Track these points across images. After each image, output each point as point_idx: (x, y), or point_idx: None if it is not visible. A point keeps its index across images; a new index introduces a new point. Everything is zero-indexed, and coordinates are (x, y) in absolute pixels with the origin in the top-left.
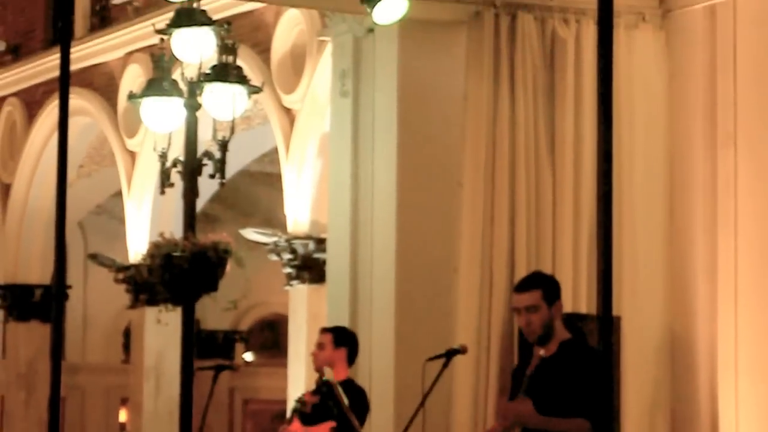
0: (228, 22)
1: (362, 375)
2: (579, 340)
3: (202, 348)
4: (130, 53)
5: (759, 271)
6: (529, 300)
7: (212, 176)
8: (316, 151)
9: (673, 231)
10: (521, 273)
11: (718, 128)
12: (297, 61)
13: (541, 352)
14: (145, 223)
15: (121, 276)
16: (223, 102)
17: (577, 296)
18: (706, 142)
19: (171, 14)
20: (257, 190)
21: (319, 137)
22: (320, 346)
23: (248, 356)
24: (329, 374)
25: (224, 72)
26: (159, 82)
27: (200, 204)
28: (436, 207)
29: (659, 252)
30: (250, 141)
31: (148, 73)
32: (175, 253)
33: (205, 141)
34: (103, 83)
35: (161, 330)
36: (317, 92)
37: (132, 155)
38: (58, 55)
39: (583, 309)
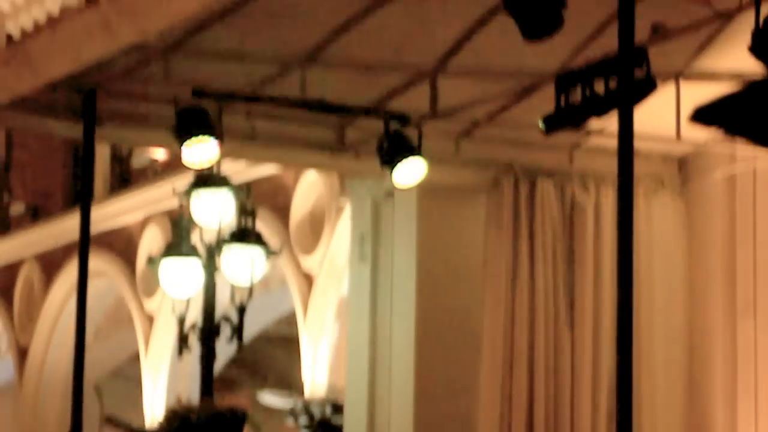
0: (248, 185)
1: None
2: None
3: None
4: (150, 215)
5: None
6: None
7: (230, 340)
8: (334, 315)
9: (693, 401)
10: None
11: (737, 297)
12: (316, 224)
13: None
14: (162, 387)
15: None
16: (241, 266)
17: None
18: (725, 311)
19: (191, 177)
20: (275, 353)
21: (337, 301)
22: None
23: None
24: None
25: (243, 236)
26: (178, 245)
27: (218, 367)
28: (454, 373)
29: (679, 422)
30: (268, 304)
31: (167, 236)
32: (191, 418)
33: (223, 303)
34: (122, 245)
35: None
36: (336, 255)
37: (150, 318)
38: (77, 217)
39: None
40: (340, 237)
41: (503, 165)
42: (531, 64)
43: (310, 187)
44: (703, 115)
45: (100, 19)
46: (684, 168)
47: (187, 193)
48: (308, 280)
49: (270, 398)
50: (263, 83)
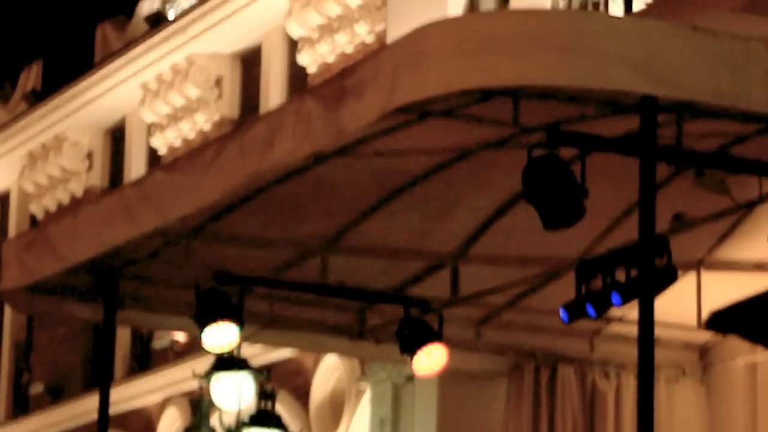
0: (268, 368)
1: None
2: None
3: None
4: (169, 397)
5: None
6: None
7: None
8: None
9: None
10: None
11: None
12: (336, 407)
13: None
14: None
15: None
16: None
17: None
18: None
19: (211, 359)
20: None
21: None
22: None
23: None
24: None
25: (263, 419)
26: (197, 428)
27: None
28: None
29: None
30: None
31: (186, 418)
32: None
33: None
34: (140, 427)
35: None
36: None
37: None
38: (96, 398)
39: None
40: (360, 420)
41: (524, 351)
42: (552, 251)
43: (329, 369)
44: (718, 323)
45: (122, 205)
46: (705, 356)
47: (207, 375)
48: None
49: None
50: (284, 268)
